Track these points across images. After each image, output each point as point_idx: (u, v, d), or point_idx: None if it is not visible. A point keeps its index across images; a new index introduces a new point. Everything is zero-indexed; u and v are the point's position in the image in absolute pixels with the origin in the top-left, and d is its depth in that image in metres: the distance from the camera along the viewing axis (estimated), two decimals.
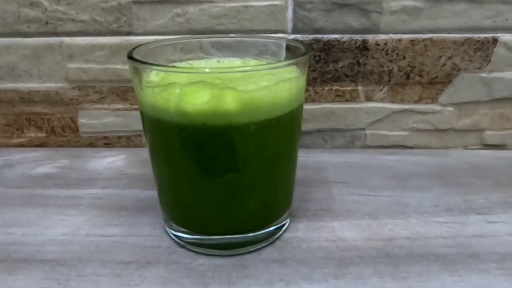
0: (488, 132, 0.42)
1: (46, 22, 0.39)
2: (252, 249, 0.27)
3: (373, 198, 0.33)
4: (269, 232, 0.27)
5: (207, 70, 0.21)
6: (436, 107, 0.41)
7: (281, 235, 0.29)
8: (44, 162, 0.40)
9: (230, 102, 0.21)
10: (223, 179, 0.24)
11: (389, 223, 0.30)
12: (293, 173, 0.28)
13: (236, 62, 0.31)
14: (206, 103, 0.21)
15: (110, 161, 0.40)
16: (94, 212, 0.32)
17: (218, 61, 0.31)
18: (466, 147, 0.43)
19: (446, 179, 0.36)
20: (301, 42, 0.37)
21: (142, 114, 0.25)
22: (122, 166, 0.39)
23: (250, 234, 0.27)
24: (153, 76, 0.23)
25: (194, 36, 0.33)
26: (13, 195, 0.34)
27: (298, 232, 0.29)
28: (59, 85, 0.41)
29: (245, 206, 0.25)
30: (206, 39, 0.32)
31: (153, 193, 0.34)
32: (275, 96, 0.22)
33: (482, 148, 0.43)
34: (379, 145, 0.43)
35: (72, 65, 0.40)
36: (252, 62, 0.30)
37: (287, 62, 0.22)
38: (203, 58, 0.35)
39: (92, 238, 0.29)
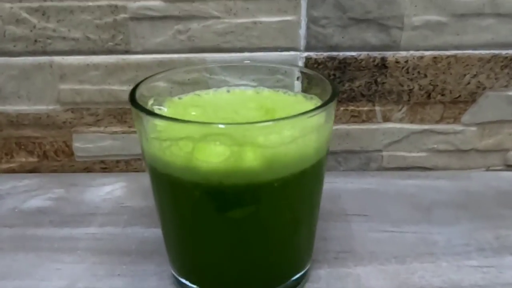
0: None
1: (35, 40, 0.35)
2: None
3: (397, 235, 0.31)
4: (290, 284, 0.25)
5: (222, 125, 0.18)
6: (458, 127, 0.38)
7: (303, 286, 0.26)
8: (37, 193, 0.37)
9: (251, 159, 0.18)
10: (240, 238, 0.21)
11: (418, 269, 0.27)
12: (316, 220, 0.25)
13: (248, 92, 0.27)
14: (224, 161, 0.18)
15: (109, 190, 0.37)
16: (93, 258, 0.29)
17: (228, 91, 0.28)
18: (488, 168, 0.40)
19: (472, 210, 0.33)
20: (317, 68, 0.34)
21: (146, 163, 0.22)
22: (122, 197, 0.36)
23: None
24: (159, 122, 0.20)
25: (201, 65, 0.30)
26: (2, 237, 0.31)
27: (320, 281, 0.26)
28: (51, 107, 0.38)
29: (265, 263, 0.23)
30: (211, 64, 0.29)
31: (157, 232, 0.31)
32: (302, 148, 0.19)
33: (505, 169, 0.40)
34: (396, 167, 0.40)
35: (64, 86, 0.37)
36: (266, 92, 0.27)
37: (315, 112, 0.19)
38: (208, 78, 0.32)
39: None
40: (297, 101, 0.26)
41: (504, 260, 0.28)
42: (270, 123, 0.18)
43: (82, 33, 0.35)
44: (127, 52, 0.36)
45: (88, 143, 0.39)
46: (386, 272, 0.27)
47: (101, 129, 0.39)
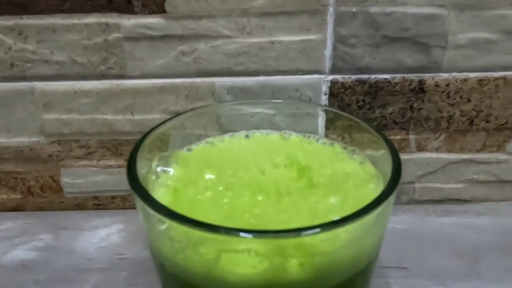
0: None
1: (11, 64, 0.30)
2: None
3: None
4: None
5: (260, 235, 0.13)
6: (501, 156, 0.34)
7: None
8: (20, 240, 0.32)
9: (297, 270, 0.14)
10: None
11: None
12: None
13: (271, 138, 0.23)
14: (261, 274, 0.13)
15: (104, 236, 0.32)
16: None
17: (247, 136, 0.23)
18: None
19: None
20: (344, 93, 0.29)
21: (151, 251, 0.17)
22: (120, 245, 0.31)
23: None
24: (171, 222, 0.15)
25: (209, 107, 0.25)
26: None
27: None
28: (34, 139, 0.33)
29: None
30: (221, 105, 0.25)
31: None
32: (360, 248, 0.15)
33: None
34: (428, 200, 0.36)
35: (48, 116, 0.32)
36: (294, 138, 0.22)
37: (382, 206, 0.14)
38: (218, 107, 0.28)
39: None
40: (335, 154, 0.21)
41: None
42: (327, 232, 0.13)
43: (67, 56, 0.30)
44: (122, 76, 0.30)
45: (79, 178, 0.34)
46: None
47: (93, 162, 0.34)
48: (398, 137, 0.33)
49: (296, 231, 0.13)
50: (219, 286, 0.14)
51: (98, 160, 0.34)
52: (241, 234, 0.13)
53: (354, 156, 0.20)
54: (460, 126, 0.32)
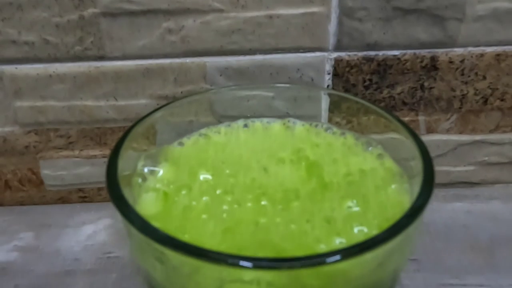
0: None
1: None
2: None
3: None
4: None
5: (272, 266, 0.10)
6: None
7: None
8: None
9: None
10: None
11: None
12: None
13: (274, 128, 0.20)
14: None
15: (90, 232, 0.30)
16: None
17: (246, 126, 0.20)
18: None
19: None
20: (350, 72, 0.27)
21: (139, 274, 0.15)
22: (107, 243, 0.29)
23: None
24: (165, 251, 0.12)
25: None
26: None
27: None
28: (7, 129, 0.29)
29: None
30: (215, 91, 0.22)
31: None
32: (385, 272, 0.12)
33: None
34: (438, 183, 0.33)
35: (21, 104, 0.28)
36: (299, 128, 0.20)
37: (412, 226, 0.12)
38: (208, 90, 0.25)
39: None
40: (348, 147, 0.18)
41: None
42: (345, 259, 0.11)
43: (37, 35, 0.26)
44: (101, 58, 0.27)
45: (60, 170, 0.31)
46: None
47: (76, 153, 0.31)
48: (407, 118, 0.30)
49: (316, 258, 0.10)
50: None
51: (81, 150, 0.31)
52: (246, 263, 0.10)
53: (370, 148, 0.18)
54: (473, 105, 0.30)
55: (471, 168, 0.33)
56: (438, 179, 0.36)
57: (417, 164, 0.14)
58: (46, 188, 0.32)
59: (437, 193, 0.34)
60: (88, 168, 0.31)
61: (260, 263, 0.10)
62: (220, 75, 0.28)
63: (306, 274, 0.11)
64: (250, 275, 0.11)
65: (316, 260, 0.10)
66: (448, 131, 0.31)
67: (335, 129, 0.19)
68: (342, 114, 0.22)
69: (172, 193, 0.16)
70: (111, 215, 0.31)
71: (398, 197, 0.13)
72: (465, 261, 0.26)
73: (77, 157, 0.31)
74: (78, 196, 0.33)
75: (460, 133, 0.31)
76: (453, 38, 0.27)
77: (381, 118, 0.18)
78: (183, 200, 0.15)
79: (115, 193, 0.13)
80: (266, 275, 0.11)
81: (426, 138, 0.31)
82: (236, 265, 0.10)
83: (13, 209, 0.32)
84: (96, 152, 0.31)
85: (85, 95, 0.28)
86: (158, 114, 0.19)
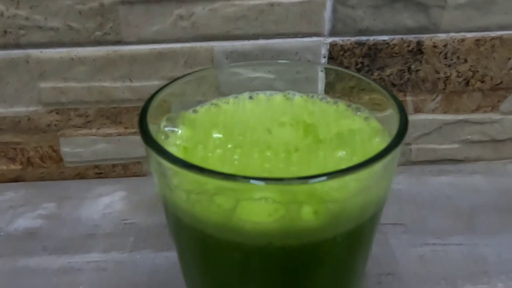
0: None
1: (5, 31, 0.29)
2: None
3: (442, 250, 0.27)
4: None
5: (274, 182, 0.13)
6: (495, 116, 0.35)
7: None
8: (24, 210, 0.32)
9: (312, 217, 0.14)
10: None
11: None
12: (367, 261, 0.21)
13: (276, 99, 0.23)
14: (277, 221, 0.14)
15: (108, 203, 0.32)
16: None
17: (251, 97, 0.23)
18: None
19: None
20: (343, 55, 0.29)
21: (165, 206, 0.18)
22: (124, 211, 0.31)
23: None
24: (188, 173, 0.15)
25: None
26: None
27: None
28: (31, 109, 0.32)
29: None
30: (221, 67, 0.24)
31: (170, 257, 0.27)
32: (371, 195, 0.15)
33: None
34: (424, 161, 0.36)
35: (45, 85, 0.31)
36: (298, 98, 0.23)
37: (390, 155, 0.15)
38: (218, 74, 0.28)
39: None
40: (339, 113, 0.21)
41: None
42: (338, 179, 0.13)
43: (62, 22, 0.29)
44: (118, 42, 0.30)
45: (79, 147, 0.34)
46: None
47: (93, 131, 0.34)
48: None
49: (310, 178, 0.13)
50: (235, 235, 0.15)
51: (98, 129, 0.33)
52: (257, 182, 0.13)
53: (359, 113, 0.20)
54: (456, 87, 0.33)
55: (456, 146, 0.36)
56: (425, 156, 0.39)
57: (395, 119, 0.17)
58: (65, 165, 0.35)
59: (424, 168, 0.38)
60: (104, 146, 0.34)
61: (266, 181, 0.13)
62: (226, 58, 0.31)
63: (301, 192, 0.14)
64: (259, 193, 0.13)
65: (307, 179, 0.13)
66: (433, 110, 0.34)
67: (329, 99, 0.22)
68: (336, 86, 0.25)
69: (190, 148, 0.18)
70: (125, 188, 0.34)
71: (380, 146, 0.16)
72: (447, 225, 0.29)
73: (94, 135, 0.34)
74: (94, 172, 0.36)
75: (445, 112, 0.34)
76: (436, 24, 0.30)
77: (369, 86, 0.21)
78: (200, 152, 0.18)
79: (148, 137, 0.16)
80: (271, 193, 0.14)
81: (413, 118, 0.34)
82: (248, 182, 0.13)
83: (35, 184, 0.35)
84: (112, 130, 0.34)
85: (103, 76, 0.31)
86: (173, 85, 0.21)
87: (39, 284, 0.26)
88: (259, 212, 0.14)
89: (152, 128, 0.18)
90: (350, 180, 0.14)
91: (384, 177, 0.16)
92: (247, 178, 0.13)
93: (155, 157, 0.15)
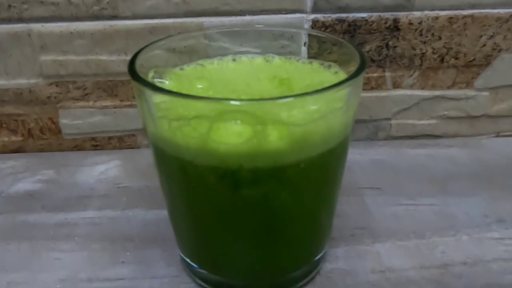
0: None
1: (8, 6, 0.31)
2: None
3: (414, 209, 0.29)
4: (309, 267, 0.23)
5: (243, 102, 0.15)
6: (470, 92, 0.37)
7: (320, 267, 0.25)
8: (24, 175, 0.34)
9: (277, 139, 0.16)
10: (260, 223, 0.19)
11: (439, 243, 0.26)
12: (337, 199, 0.23)
13: (256, 60, 0.25)
14: (246, 142, 0.16)
15: (103, 170, 0.34)
16: (93, 244, 0.27)
17: (234, 60, 0.25)
18: (498, 134, 0.39)
19: (488, 179, 0.32)
20: (325, 32, 0.31)
21: (150, 142, 0.19)
22: (118, 177, 0.33)
23: (288, 275, 0.22)
24: (168, 99, 0.17)
25: (199, 31, 0.26)
26: None
27: (338, 261, 0.25)
28: (32, 81, 0.34)
29: (285, 245, 0.21)
30: (210, 30, 0.26)
31: (160, 214, 0.29)
32: (331, 125, 0.17)
33: None
34: (404, 136, 0.38)
35: (46, 58, 0.33)
36: (277, 60, 0.25)
37: (349, 83, 0.17)
38: (207, 46, 0.29)
39: (96, 284, 0.24)
40: (313, 69, 0.23)
41: None
42: (298, 98, 0.16)
43: None
44: (115, 17, 0.32)
45: (77, 119, 0.36)
46: (406, 248, 0.26)
47: (90, 103, 0.36)
48: (375, 74, 0.35)
49: (275, 99, 0.15)
50: (211, 159, 0.17)
51: (95, 101, 0.36)
52: (227, 101, 0.15)
53: (330, 69, 0.22)
54: (432, 63, 0.35)
55: (434, 121, 0.38)
56: (405, 131, 0.41)
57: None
58: (63, 137, 0.37)
59: (403, 142, 0.40)
60: (101, 118, 0.36)
61: (235, 100, 0.15)
62: (217, 33, 0.33)
63: (267, 116, 0.16)
64: (230, 115, 0.15)
65: (273, 99, 0.15)
66: (411, 86, 0.36)
67: (304, 59, 0.24)
68: (314, 48, 0.26)
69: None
70: (120, 158, 0.36)
71: None
72: (421, 189, 0.31)
73: (91, 108, 0.36)
74: (91, 144, 0.38)
75: (422, 88, 0.36)
76: (411, 2, 0.32)
77: (340, 44, 0.23)
78: None
79: (135, 74, 0.18)
80: (241, 115, 0.15)
81: (393, 93, 0.36)
82: (220, 102, 0.15)
83: (35, 155, 0.37)
84: (108, 103, 0.36)
85: (100, 50, 0.33)
86: (165, 40, 0.23)
87: (37, 236, 0.28)
88: (230, 133, 0.16)
89: (140, 75, 0.20)
90: (310, 103, 0.16)
91: (342, 110, 0.18)
92: (219, 99, 0.15)
93: (142, 91, 0.17)
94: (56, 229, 0.28)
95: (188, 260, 0.23)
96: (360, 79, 0.18)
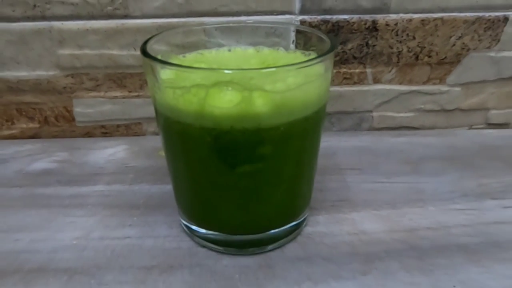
0: (493, 112, 0.42)
1: (34, 5, 0.36)
2: (276, 246, 0.27)
3: (389, 185, 0.33)
4: (291, 227, 0.27)
5: (232, 71, 0.19)
6: (443, 88, 0.41)
7: (302, 230, 0.28)
8: (40, 156, 0.38)
9: (261, 105, 0.20)
10: (248, 179, 0.23)
11: (408, 212, 0.30)
12: (315, 167, 0.27)
13: (249, 51, 0.29)
14: (235, 106, 0.20)
15: (111, 152, 0.38)
16: (103, 211, 0.30)
17: (230, 50, 0.29)
18: (471, 127, 0.43)
19: (457, 162, 0.36)
20: (317, 28, 0.35)
21: (157, 112, 0.23)
22: (125, 158, 0.37)
23: (273, 231, 0.26)
24: (167, 72, 0.21)
25: (201, 23, 0.31)
26: (12, 196, 0.32)
27: (318, 226, 0.29)
28: (50, 72, 0.38)
29: (270, 203, 0.25)
30: (209, 25, 0.30)
31: (163, 188, 0.33)
32: (306, 95, 0.21)
33: (486, 127, 0.43)
34: (385, 127, 0.42)
35: (63, 51, 0.38)
36: (266, 50, 0.29)
37: (318, 59, 0.21)
38: (206, 41, 0.33)
39: (106, 241, 0.27)
40: (296, 57, 0.27)
41: (484, 204, 0.31)
42: (277, 69, 0.20)
43: None
44: (126, 16, 0.36)
45: (89, 108, 0.40)
46: (379, 216, 0.30)
47: (101, 94, 0.40)
48: (357, 70, 0.39)
49: (258, 69, 0.19)
50: (207, 121, 0.20)
51: (106, 92, 0.39)
52: (220, 70, 0.19)
53: (311, 56, 0.26)
54: (408, 60, 0.39)
55: (411, 114, 0.42)
56: (385, 123, 0.45)
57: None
58: (76, 124, 0.41)
59: (383, 133, 0.43)
60: (110, 107, 0.40)
61: (227, 70, 0.19)
62: (215, 30, 0.37)
63: (252, 86, 0.19)
64: (223, 83, 0.19)
65: (259, 69, 0.19)
66: (390, 81, 0.40)
67: (290, 50, 0.28)
68: (301, 41, 0.30)
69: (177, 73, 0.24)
70: (127, 143, 0.40)
71: None
72: (397, 169, 0.35)
73: (102, 97, 0.40)
74: (101, 132, 0.41)
75: (400, 83, 0.40)
76: (387, 5, 0.37)
77: (319, 37, 0.26)
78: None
79: (146, 53, 0.22)
80: (232, 84, 0.19)
81: (374, 87, 0.40)
82: (215, 71, 0.19)
83: (50, 140, 0.41)
84: (117, 93, 0.40)
85: (112, 45, 0.37)
86: (169, 31, 0.27)
87: (54, 204, 0.31)
88: (223, 99, 0.20)
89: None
90: (288, 74, 0.19)
91: (315, 83, 0.22)
92: (213, 69, 0.19)
93: (152, 66, 0.21)
94: (71, 199, 0.32)
95: (186, 222, 0.27)
96: (330, 59, 0.22)
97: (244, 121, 0.20)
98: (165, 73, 0.21)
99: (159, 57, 0.25)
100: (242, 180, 0.23)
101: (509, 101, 0.42)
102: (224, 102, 0.20)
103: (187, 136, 0.22)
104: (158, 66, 0.21)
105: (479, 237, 0.27)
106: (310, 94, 0.21)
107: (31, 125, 0.41)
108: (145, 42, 0.24)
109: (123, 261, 0.26)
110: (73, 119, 0.41)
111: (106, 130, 0.41)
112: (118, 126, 0.41)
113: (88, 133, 0.41)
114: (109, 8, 0.36)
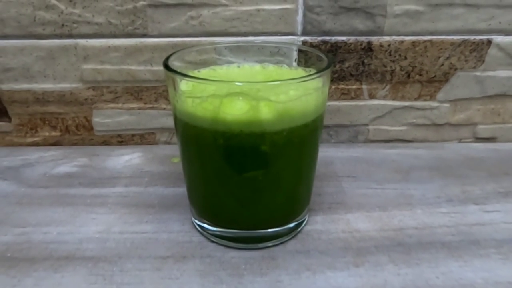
0: (480, 126, 0.45)
1: (62, 25, 0.40)
2: (278, 242, 0.30)
3: (381, 191, 0.36)
4: (292, 226, 0.30)
5: (242, 83, 0.23)
6: (433, 104, 0.44)
7: (302, 228, 0.31)
8: (63, 161, 0.41)
9: (266, 112, 0.23)
10: (254, 179, 0.26)
11: (398, 215, 0.33)
12: (314, 171, 0.30)
13: (256, 67, 0.32)
14: (245, 114, 0.23)
15: (128, 159, 0.42)
16: (122, 210, 0.34)
17: (239, 66, 0.33)
18: (460, 140, 0.46)
19: (444, 172, 0.39)
20: (317, 48, 0.39)
21: (176, 118, 0.27)
22: (141, 164, 0.41)
23: (276, 229, 0.29)
24: (187, 84, 0.25)
25: (213, 42, 0.34)
26: (40, 195, 0.35)
27: (316, 225, 0.32)
28: (74, 85, 0.42)
29: (272, 202, 0.28)
30: (220, 44, 0.34)
31: (176, 190, 0.36)
32: (305, 105, 0.24)
33: (475, 141, 0.46)
34: (380, 139, 0.46)
35: (87, 66, 0.41)
36: (271, 67, 0.32)
37: (316, 75, 0.24)
38: (217, 59, 0.37)
39: (126, 235, 0.31)
40: (298, 73, 0.31)
41: (467, 208, 0.34)
42: (281, 82, 0.23)
43: (105, 18, 0.39)
44: (144, 35, 0.40)
45: (107, 118, 0.44)
46: (371, 217, 0.33)
47: (119, 105, 0.43)
48: (354, 86, 0.43)
49: (265, 82, 0.23)
50: (220, 126, 0.24)
51: (123, 103, 0.43)
52: (233, 83, 0.23)
53: (311, 73, 0.30)
54: (400, 78, 0.43)
55: (404, 128, 0.45)
56: (379, 136, 0.49)
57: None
58: (94, 133, 0.44)
59: (379, 145, 0.47)
60: (127, 117, 0.44)
61: (238, 83, 0.23)
62: (225, 49, 0.41)
63: (259, 96, 0.23)
64: (235, 93, 0.23)
65: (266, 82, 0.22)
66: (384, 97, 0.44)
67: (292, 67, 0.32)
68: (303, 60, 0.34)
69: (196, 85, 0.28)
70: (142, 151, 0.43)
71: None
72: (388, 177, 0.38)
73: (120, 109, 0.43)
74: (117, 140, 0.45)
75: (393, 99, 0.44)
76: (381, 28, 0.40)
77: (319, 56, 0.30)
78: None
79: (168, 68, 0.25)
80: (242, 95, 0.23)
81: (369, 102, 0.44)
82: (228, 84, 0.22)
83: (70, 148, 0.44)
84: (134, 105, 0.43)
85: (131, 61, 0.41)
86: (184, 50, 0.31)
87: (77, 203, 0.34)
88: (234, 107, 0.23)
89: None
90: (290, 87, 0.23)
91: (313, 95, 0.25)
92: (227, 81, 0.22)
93: (173, 78, 0.24)
94: (92, 199, 0.35)
95: (197, 220, 0.30)
96: (326, 75, 0.26)
97: (252, 126, 0.24)
98: (185, 85, 0.25)
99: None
100: (248, 180, 0.26)
101: (494, 117, 0.45)
102: (235, 110, 0.23)
103: (202, 138, 0.25)
104: (178, 78, 0.24)
105: (460, 236, 0.30)
106: (309, 104, 0.25)
107: (53, 133, 0.44)
108: (167, 59, 0.27)
109: (141, 251, 0.29)
110: (92, 128, 0.44)
111: (121, 139, 0.45)
112: (133, 135, 0.45)
113: (105, 142, 0.45)
114: (130, 28, 0.40)
